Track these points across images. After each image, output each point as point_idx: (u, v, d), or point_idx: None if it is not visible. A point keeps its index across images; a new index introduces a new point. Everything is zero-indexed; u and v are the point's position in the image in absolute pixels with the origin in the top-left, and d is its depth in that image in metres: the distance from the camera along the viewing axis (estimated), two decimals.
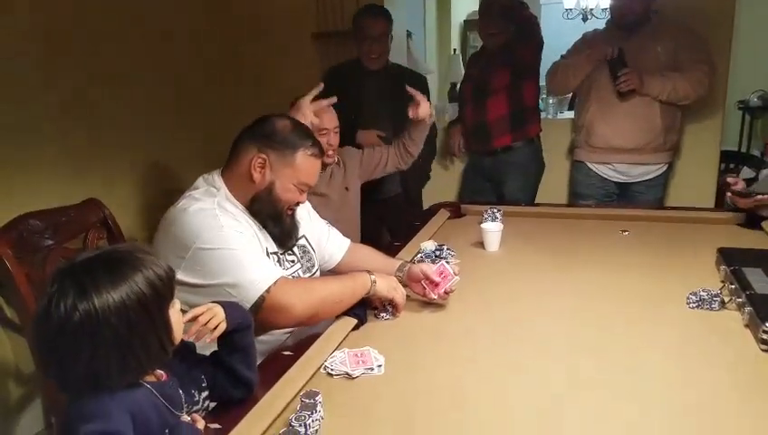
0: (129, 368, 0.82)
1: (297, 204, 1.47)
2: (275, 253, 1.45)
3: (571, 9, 6.97)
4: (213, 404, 1.03)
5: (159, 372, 0.90)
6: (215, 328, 0.99)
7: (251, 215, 1.42)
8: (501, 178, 2.80)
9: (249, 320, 1.06)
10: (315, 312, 1.30)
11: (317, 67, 3.19)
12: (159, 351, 0.85)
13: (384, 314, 1.44)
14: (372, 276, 1.40)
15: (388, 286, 1.42)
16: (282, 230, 1.45)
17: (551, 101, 3.64)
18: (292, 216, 1.48)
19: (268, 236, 1.45)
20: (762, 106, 5.40)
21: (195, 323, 0.98)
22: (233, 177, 1.42)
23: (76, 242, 1.53)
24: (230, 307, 1.03)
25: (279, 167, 1.39)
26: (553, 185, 2.96)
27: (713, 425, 1.01)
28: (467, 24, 6.44)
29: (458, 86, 3.35)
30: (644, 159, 2.59)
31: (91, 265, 0.83)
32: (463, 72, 5.93)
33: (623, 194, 2.67)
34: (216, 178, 1.43)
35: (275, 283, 1.27)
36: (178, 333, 0.90)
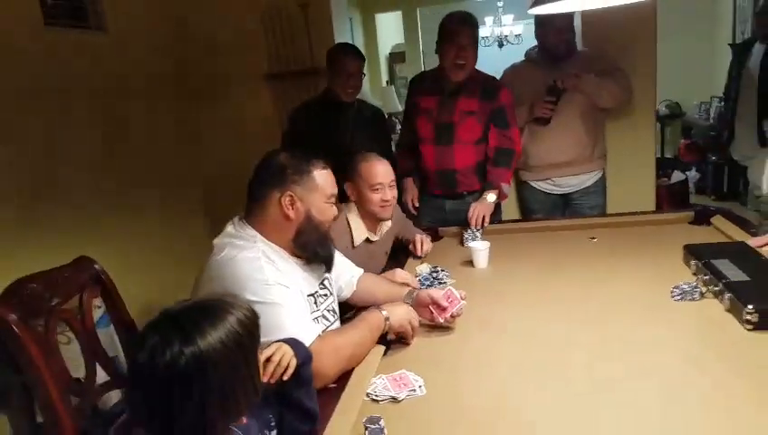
0: (231, 410, 0.82)
1: (334, 218, 1.50)
2: (313, 294, 1.46)
3: (486, 37, 7.42)
4: None
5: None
6: (287, 366, 0.99)
7: (299, 248, 1.43)
8: (458, 217, 2.58)
9: (310, 354, 1.06)
10: (344, 369, 1.31)
11: (270, 106, 3.24)
12: (253, 392, 0.85)
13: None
14: (384, 313, 1.43)
15: (401, 321, 1.45)
16: (329, 252, 1.48)
17: None
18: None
19: (310, 275, 1.47)
20: (670, 114, 5.97)
21: (269, 363, 0.98)
22: (266, 224, 1.41)
23: (72, 302, 1.45)
24: (293, 343, 1.04)
25: (306, 194, 1.42)
26: (505, 204, 3.11)
27: (712, 402, 1.12)
28: (393, 57, 6.70)
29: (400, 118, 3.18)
30: (577, 169, 2.78)
31: (188, 311, 0.82)
32: (397, 102, 6.20)
33: (567, 204, 2.85)
34: (247, 227, 1.42)
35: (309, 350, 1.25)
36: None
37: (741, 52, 3.32)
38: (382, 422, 1.02)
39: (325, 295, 1.51)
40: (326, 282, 1.54)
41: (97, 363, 1.47)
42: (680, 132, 6.03)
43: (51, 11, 2.43)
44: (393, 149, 2.97)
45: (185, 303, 0.86)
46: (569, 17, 2.65)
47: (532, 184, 2.85)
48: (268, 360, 1.00)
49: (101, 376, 1.50)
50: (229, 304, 0.87)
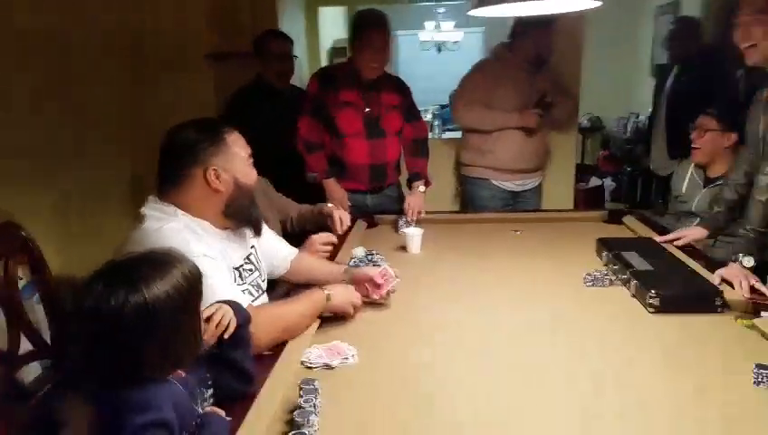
0: (170, 358, 0.84)
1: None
2: (238, 267, 1.47)
3: (426, 41, 7.61)
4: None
5: (178, 371, 0.91)
6: (227, 326, 1.03)
7: (230, 217, 1.43)
8: (380, 207, 2.65)
9: (249, 315, 1.10)
10: (277, 339, 1.33)
11: (211, 88, 3.19)
12: (194, 343, 0.88)
13: None
14: (327, 292, 1.47)
15: (342, 301, 1.50)
16: (258, 215, 1.49)
17: (436, 123, 3.96)
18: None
19: (234, 249, 1.47)
20: (591, 127, 6.37)
21: (210, 322, 1.01)
22: (188, 201, 1.38)
23: None
24: (233, 305, 1.07)
25: (227, 161, 1.39)
26: (441, 197, 3.23)
27: (619, 376, 1.24)
28: (334, 52, 6.72)
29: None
30: (533, 174, 2.98)
31: (136, 262, 0.84)
32: None
33: (514, 200, 3.00)
34: (164, 206, 1.38)
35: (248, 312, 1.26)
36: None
37: (662, 73, 3.64)
38: (317, 383, 1.07)
39: (251, 270, 1.52)
40: (251, 257, 1.55)
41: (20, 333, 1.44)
42: (600, 144, 6.43)
43: None
44: None
45: (132, 254, 0.88)
46: (548, 23, 2.73)
47: (493, 181, 2.92)
48: (209, 319, 1.03)
49: (24, 347, 1.46)
50: (176, 259, 0.89)
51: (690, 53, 3.36)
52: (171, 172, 1.39)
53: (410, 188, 2.59)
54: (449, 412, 1.11)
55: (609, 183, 5.64)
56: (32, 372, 1.90)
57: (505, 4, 1.68)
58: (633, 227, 2.33)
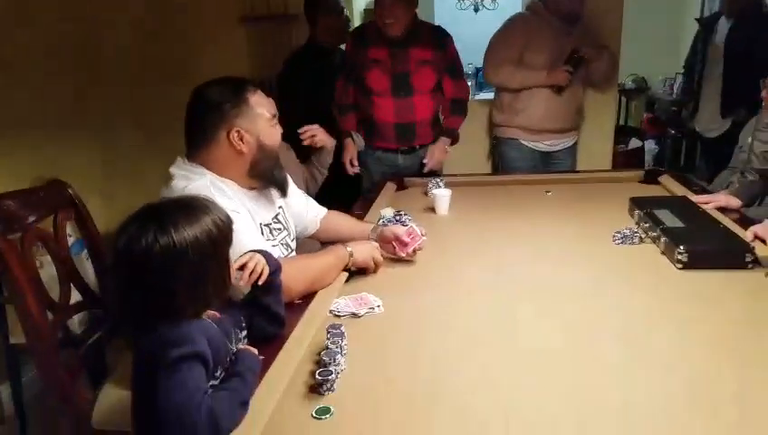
0: (200, 299, 0.91)
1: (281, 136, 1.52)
2: (267, 224, 1.52)
3: (463, 0, 7.41)
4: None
5: (212, 312, 0.98)
6: (261, 272, 1.10)
7: (256, 178, 1.47)
8: (410, 168, 2.66)
9: (279, 263, 1.16)
10: (307, 288, 1.39)
11: (244, 51, 3.24)
12: (222, 287, 0.95)
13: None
14: (349, 249, 1.51)
15: (365, 257, 1.54)
16: (283, 175, 1.53)
17: (469, 83, 3.90)
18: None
19: (262, 208, 1.51)
20: (635, 89, 6.13)
21: (245, 269, 1.08)
22: (216, 162, 1.41)
23: (46, 223, 1.50)
24: (265, 253, 1.14)
25: (250, 123, 1.41)
26: (474, 159, 3.23)
27: (648, 329, 1.25)
28: (368, 13, 6.64)
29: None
30: (566, 134, 2.93)
31: (169, 207, 0.90)
32: None
33: (546, 161, 2.96)
34: (192, 166, 1.41)
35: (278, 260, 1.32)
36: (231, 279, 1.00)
37: (706, 27, 3.44)
38: (343, 328, 1.12)
39: (279, 229, 1.57)
40: (279, 216, 1.59)
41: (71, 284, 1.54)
42: (644, 106, 6.21)
43: None
44: None
45: (171, 198, 0.95)
46: None
47: (522, 141, 2.89)
48: (243, 267, 1.09)
49: (74, 298, 1.57)
50: (207, 206, 0.95)
51: (745, 5, 3.17)
52: (197, 133, 1.42)
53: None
54: (467, 361, 1.14)
55: (651, 146, 5.46)
56: (83, 322, 2.05)
57: None
58: (670, 187, 2.29)
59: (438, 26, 2.59)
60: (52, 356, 1.32)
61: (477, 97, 3.72)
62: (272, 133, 1.47)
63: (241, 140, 1.40)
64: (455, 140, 2.60)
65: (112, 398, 1.39)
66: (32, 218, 1.44)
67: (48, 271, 1.64)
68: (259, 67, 3.37)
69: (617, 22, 3.17)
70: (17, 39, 2.38)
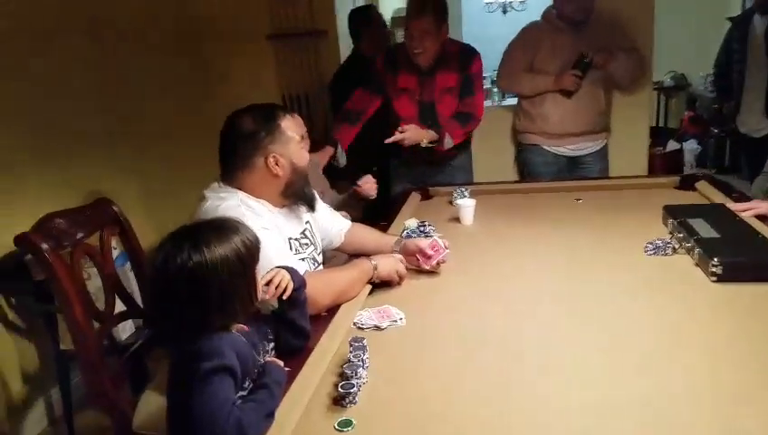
0: (228, 313, 0.98)
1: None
2: (296, 239, 1.59)
3: (491, 2, 7.37)
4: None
5: (241, 325, 1.04)
6: (285, 288, 1.16)
7: (288, 196, 1.55)
8: (437, 180, 2.68)
9: (304, 279, 1.22)
10: (333, 301, 1.44)
11: (273, 67, 3.33)
12: (249, 302, 1.01)
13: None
14: (373, 262, 1.56)
15: (388, 270, 1.58)
16: (312, 192, 1.61)
17: (494, 90, 3.89)
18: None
19: (291, 225, 1.58)
20: (675, 86, 5.97)
21: (270, 284, 1.15)
22: (251, 185, 1.49)
23: (93, 239, 1.61)
24: (290, 270, 1.20)
25: (283, 147, 1.49)
26: (501, 165, 3.22)
27: (682, 346, 1.23)
28: (394, 21, 6.69)
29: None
30: (590, 138, 2.90)
31: (202, 228, 0.98)
32: None
33: (573, 166, 2.94)
34: (229, 188, 1.49)
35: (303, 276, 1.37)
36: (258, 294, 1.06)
37: (740, 25, 3.34)
38: (365, 341, 1.16)
39: (306, 244, 1.63)
40: (307, 232, 1.65)
41: (115, 295, 1.63)
42: (685, 104, 6.03)
43: None
44: None
45: (203, 220, 1.03)
46: None
47: (545, 147, 2.90)
48: (269, 283, 1.15)
49: (118, 308, 1.66)
50: (237, 227, 1.03)
51: None
52: (232, 159, 1.50)
53: None
54: (490, 374, 1.15)
55: (693, 147, 5.31)
56: (126, 330, 2.16)
57: None
58: (707, 193, 2.23)
59: (467, 47, 2.58)
60: (97, 363, 1.41)
61: (503, 103, 3.71)
62: (303, 155, 1.55)
63: (276, 164, 1.49)
64: (443, 142, 2.52)
65: (152, 403, 1.47)
66: (80, 235, 1.53)
67: (95, 282, 1.74)
68: (287, 82, 3.46)
69: (648, 20, 3.12)
70: (52, 59, 2.51)
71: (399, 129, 2.44)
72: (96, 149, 2.71)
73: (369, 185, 2.29)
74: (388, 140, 2.44)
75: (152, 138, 3.08)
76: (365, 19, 2.98)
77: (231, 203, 1.44)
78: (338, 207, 2.26)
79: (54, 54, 2.51)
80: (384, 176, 2.76)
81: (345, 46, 3.51)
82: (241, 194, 1.49)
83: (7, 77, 2.27)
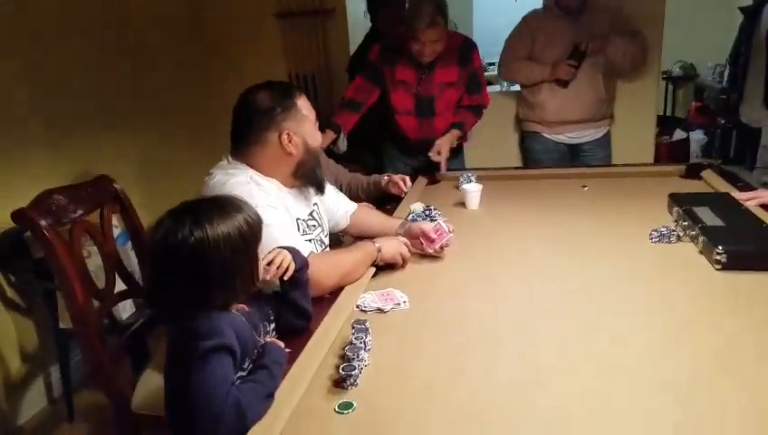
0: (229, 291, 0.96)
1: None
2: (304, 220, 1.58)
3: None
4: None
5: (241, 305, 1.03)
6: (287, 268, 1.14)
7: (299, 177, 1.54)
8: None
9: (306, 260, 1.20)
10: (338, 283, 1.43)
11: (280, 46, 3.30)
12: (250, 281, 0.99)
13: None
14: (377, 244, 1.55)
15: (392, 252, 1.56)
16: (322, 174, 1.61)
17: None
18: None
19: (299, 205, 1.57)
20: (683, 76, 5.91)
21: (272, 265, 1.13)
22: (262, 161, 1.49)
23: (93, 215, 1.59)
24: (292, 250, 1.18)
25: (297, 125, 1.49)
26: (505, 152, 3.21)
27: (685, 333, 1.22)
28: None
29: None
30: (590, 125, 2.89)
31: (205, 203, 0.96)
32: None
33: (575, 153, 2.94)
34: (237, 164, 1.48)
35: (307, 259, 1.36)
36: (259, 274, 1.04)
37: (751, 15, 3.31)
38: (368, 324, 1.15)
39: (314, 226, 1.62)
40: (314, 214, 1.64)
41: (115, 274, 1.62)
42: (693, 94, 5.98)
43: None
44: None
45: (207, 197, 1.00)
46: None
47: (545, 135, 2.93)
48: (271, 263, 1.13)
49: (118, 287, 1.65)
50: (239, 205, 1.01)
51: None
52: (246, 135, 1.49)
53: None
54: (491, 359, 1.14)
55: (699, 136, 5.27)
56: (127, 309, 2.15)
57: None
58: (712, 182, 2.21)
59: (465, 39, 2.58)
60: (96, 342, 1.40)
61: (511, 89, 3.68)
62: (316, 135, 1.55)
63: (290, 141, 1.48)
64: (463, 135, 2.59)
65: (152, 383, 1.46)
66: (80, 211, 1.52)
67: (95, 261, 1.73)
68: (294, 61, 3.43)
69: (659, 7, 3.08)
70: (64, 44, 2.49)
71: (434, 151, 2.46)
72: (96, 129, 2.69)
73: (400, 186, 2.17)
74: (432, 158, 2.46)
75: (155, 116, 3.05)
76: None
77: (240, 179, 1.43)
78: (350, 185, 2.27)
79: (56, 39, 2.48)
80: (379, 161, 2.79)
81: (354, 25, 3.47)
82: (251, 171, 1.48)
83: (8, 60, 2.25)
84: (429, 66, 2.48)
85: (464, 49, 2.52)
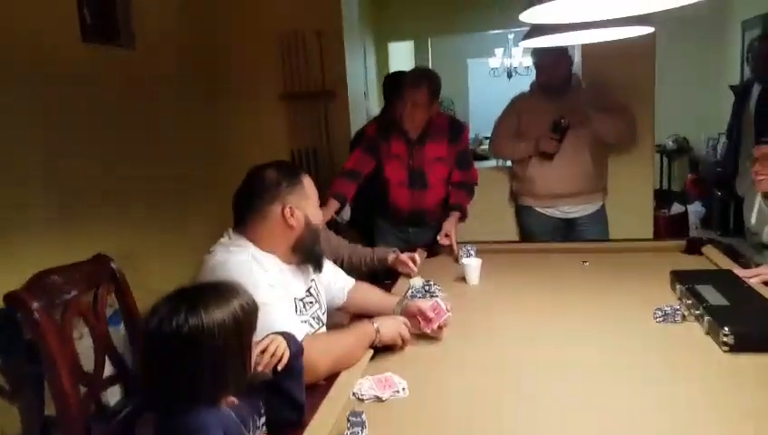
0: (220, 384, 0.92)
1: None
2: (301, 299, 1.56)
3: (496, 68, 7.60)
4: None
5: (231, 398, 0.99)
6: (281, 357, 1.10)
7: (297, 252, 1.55)
8: (422, 240, 2.72)
9: (302, 347, 1.16)
10: (333, 368, 1.38)
11: (285, 125, 3.40)
12: (243, 373, 0.95)
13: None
14: (376, 325, 1.51)
15: (392, 334, 1.53)
16: (321, 252, 1.61)
17: None
18: None
19: (297, 282, 1.57)
20: (677, 149, 6.05)
21: (265, 353, 1.09)
22: (263, 234, 1.51)
23: (89, 295, 1.56)
24: (287, 336, 1.14)
25: (302, 203, 1.53)
26: (503, 225, 3.23)
27: (691, 419, 1.17)
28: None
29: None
30: (582, 199, 2.93)
31: (199, 289, 0.94)
32: None
33: (570, 228, 2.96)
34: (240, 238, 1.50)
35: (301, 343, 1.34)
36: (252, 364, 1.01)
37: (742, 93, 3.45)
38: (364, 416, 1.09)
39: (311, 303, 1.60)
40: (312, 290, 1.63)
41: (106, 358, 1.57)
42: (687, 167, 6.09)
43: (88, 29, 2.65)
44: None
45: (203, 282, 0.98)
46: (555, 54, 2.78)
47: (538, 209, 2.98)
48: (264, 351, 1.10)
49: (108, 371, 1.60)
50: (235, 291, 0.99)
51: None
52: (250, 208, 1.51)
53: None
54: None
55: (697, 208, 5.31)
56: (116, 395, 2.07)
57: (553, 35, 1.68)
58: (713, 258, 2.20)
59: (454, 119, 2.75)
60: (80, 432, 1.34)
61: (507, 164, 3.76)
62: (317, 213, 1.58)
63: (292, 215, 1.51)
64: (463, 215, 2.68)
65: None
66: (74, 292, 1.49)
67: (86, 342, 1.68)
68: (297, 138, 3.53)
69: (648, 82, 3.18)
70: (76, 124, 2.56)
71: (442, 235, 2.52)
72: (108, 207, 2.73)
73: (410, 265, 2.15)
74: (441, 241, 2.51)
75: (156, 194, 3.08)
76: (397, 86, 3.00)
77: (241, 258, 1.44)
78: (351, 258, 2.26)
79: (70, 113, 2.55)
80: (370, 234, 2.87)
81: (354, 104, 3.61)
82: (252, 248, 1.48)
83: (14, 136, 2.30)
84: (420, 140, 2.60)
85: (453, 128, 2.67)
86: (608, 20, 1.53)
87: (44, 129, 2.44)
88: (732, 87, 3.86)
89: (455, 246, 2.47)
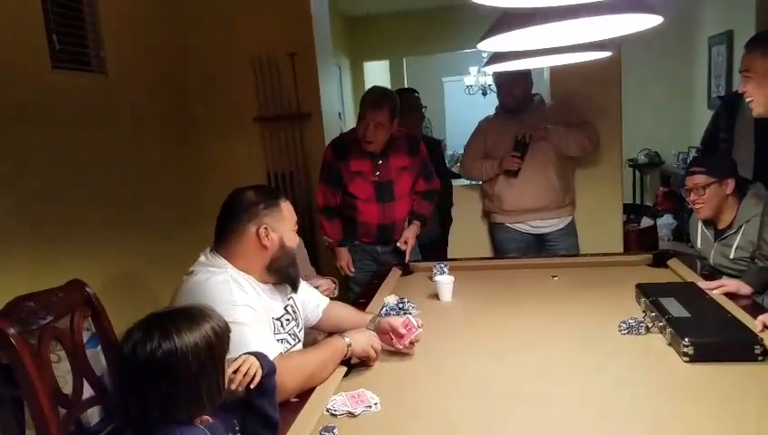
0: (195, 403, 0.96)
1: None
2: (279, 317, 1.60)
3: (471, 86, 7.75)
4: None
5: (205, 417, 1.02)
6: (253, 376, 1.14)
7: (272, 272, 1.59)
8: (390, 260, 2.77)
9: (274, 366, 1.20)
10: (304, 384, 1.42)
11: (259, 147, 3.46)
12: (216, 393, 0.99)
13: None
14: (347, 339, 1.56)
15: (363, 346, 1.57)
16: (297, 274, 1.65)
17: None
18: None
19: (275, 300, 1.61)
20: (648, 163, 6.20)
21: (238, 373, 1.13)
22: (239, 253, 1.55)
23: (64, 321, 1.58)
24: (259, 356, 1.18)
25: (278, 224, 1.57)
26: (476, 244, 3.32)
27: (653, 427, 1.23)
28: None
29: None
30: (550, 214, 3.02)
31: (171, 314, 0.98)
32: None
33: (541, 243, 3.05)
34: (218, 257, 1.55)
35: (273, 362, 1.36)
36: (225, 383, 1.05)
37: (729, 103, 3.47)
38: (336, 431, 1.14)
39: (288, 320, 1.64)
40: (289, 308, 1.67)
41: (84, 380, 1.59)
42: (659, 180, 6.24)
43: (58, 55, 2.64)
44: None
45: (172, 307, 1.02)
46: (512, 75, 2.88)
47: (508, 224, 3.06)
48: (237, 371, 1.13)
49: (86, 393, 1.62)
50: (207, 314, 1.03)
51: None
52: (228, 227, 1.56)
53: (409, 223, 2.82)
54: None
55: (669, 221, 5.44)
56: (95, 416, 2.08)
57: (516, 60, 1.76)
58: (678, 271, 2.27)
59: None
60: None
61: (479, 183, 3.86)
62: (292, 237, 1.62)
63: (267, 236, 1.55)
64: (423, 224, 2.84)
65: None
66: (50, 318, 1.51)
67: (64, 365, 1.70)
68: (273, 160, 3.58)
69: (614, 98, 3.31)
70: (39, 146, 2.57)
71: (401, 241, 2.74)
72: (88, 231, 2.73)
73: (325, 288, 2.24)
74: (400, 246, 2.74)
75: (131, 216, 3.09)
76: (408, 101, 3.15)
77: (219, 278, 1.48)
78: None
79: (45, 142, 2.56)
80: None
81: (328, 125, 3.67)
82: (230, 268, 1.52)
83: None
84: (383, 154, 2.67)
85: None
86: (567, 46, 1.61)
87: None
88: (720, 97, 3.91)
89: (408, 252, 2.65)
